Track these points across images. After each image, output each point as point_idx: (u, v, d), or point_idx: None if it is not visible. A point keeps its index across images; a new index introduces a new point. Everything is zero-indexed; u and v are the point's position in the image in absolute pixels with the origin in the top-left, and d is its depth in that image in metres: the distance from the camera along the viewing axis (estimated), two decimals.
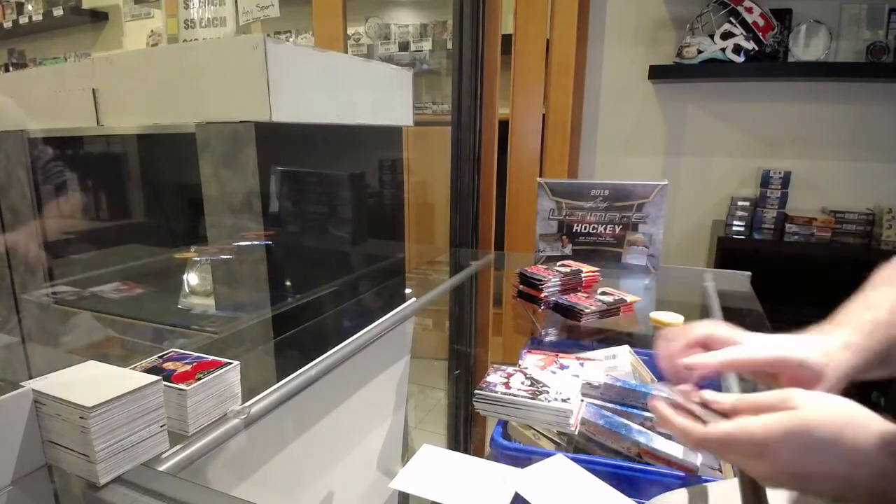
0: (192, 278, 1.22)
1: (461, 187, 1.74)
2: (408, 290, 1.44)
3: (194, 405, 0.60)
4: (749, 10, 2.02)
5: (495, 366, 0.92)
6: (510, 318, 1.76)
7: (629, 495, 0.63)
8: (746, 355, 0.52)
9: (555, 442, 0.87)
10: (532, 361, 1.02)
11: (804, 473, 0.42)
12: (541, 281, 1.17)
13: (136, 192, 1.62)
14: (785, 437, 0.41)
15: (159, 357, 0.67)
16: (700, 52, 2.10)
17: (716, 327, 0.57)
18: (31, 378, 0.54)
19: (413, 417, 1.97)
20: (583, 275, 1.21)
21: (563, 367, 0.98)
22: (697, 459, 0.76)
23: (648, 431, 0.81)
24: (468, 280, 1.56)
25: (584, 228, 1.36)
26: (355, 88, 1.13)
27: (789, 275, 2.08)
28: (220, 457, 0.64)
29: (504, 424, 0.88)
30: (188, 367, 0.64)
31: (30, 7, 3.56)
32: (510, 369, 0.91)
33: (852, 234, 2.05)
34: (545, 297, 1.17)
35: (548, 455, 0.72)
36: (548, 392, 0.83)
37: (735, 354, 0.52)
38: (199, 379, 0.61)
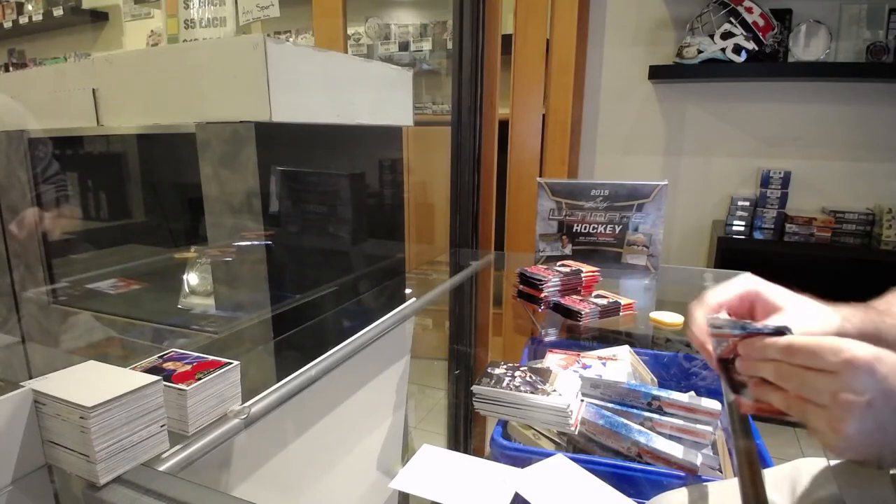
0: (192, 278, 1.22)
1: (461, 187, 1.74)
2: (408, 291, 1.44)
3: (194, 405, 0.60)
4: (749, 10, 2.02)
5: (493, 362, 0.92)
6: (510, 318, 1.76)
7: (629, 495, 0.63)
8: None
9: (555, 442, 0.87)
10: (554, 360, 1.02)
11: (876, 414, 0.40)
12: (541, 281, 1.17)
13: (137, 192, 1.63)
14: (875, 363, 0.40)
15: (159, 357, 0.67)
16: (700, 52, 2.10)
17: (761, 287, 0.60)
18: (31, 378, 0.54)
19: (413, 417, 1.97)
20: (583, 275, 1.21)
21: (585, 366, 0.98)
22: (697, 459, 0.76)
23: (648, 431, 0.81)
24: (468, 280, 1.56)
25: (584, 228, 1.36)
26: (355, 88, 1.13)
27: (789, 275, 2.08)
28: (220, 457, 0.64)
29: (504, 424, 0.88)
30: (188, 367, 0.64)
31: (30, 7, 3.56)
32: (509, 366, 0.91)
33: (852, 234, 2.05)
34: (545, 297, 1.17)
35: (548, 455, 0.72)
36: (546, 391, 0.83)
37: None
38: (199, 379, 0.61)
